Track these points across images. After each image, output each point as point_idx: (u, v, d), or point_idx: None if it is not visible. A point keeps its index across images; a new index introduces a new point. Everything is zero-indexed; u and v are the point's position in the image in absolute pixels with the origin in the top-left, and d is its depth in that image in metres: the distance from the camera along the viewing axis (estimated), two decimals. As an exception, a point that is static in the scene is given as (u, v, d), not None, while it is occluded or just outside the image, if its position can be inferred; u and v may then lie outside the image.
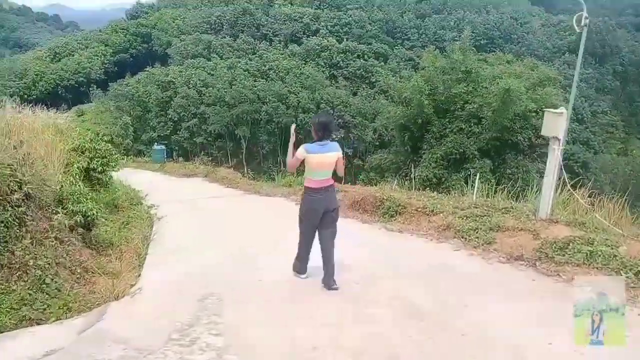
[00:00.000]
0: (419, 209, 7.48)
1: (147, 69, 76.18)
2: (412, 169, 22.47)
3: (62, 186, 6.15)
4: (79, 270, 5.10)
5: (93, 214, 6.23)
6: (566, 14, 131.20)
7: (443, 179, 22.01)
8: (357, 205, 8.54)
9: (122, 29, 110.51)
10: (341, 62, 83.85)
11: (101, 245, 6.62)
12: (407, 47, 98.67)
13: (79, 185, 6.47)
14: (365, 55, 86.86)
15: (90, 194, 6.76)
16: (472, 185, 21.13)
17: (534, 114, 22.62)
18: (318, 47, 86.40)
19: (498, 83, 22.36)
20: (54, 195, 6.05)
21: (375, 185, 27.68)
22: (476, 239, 6.22)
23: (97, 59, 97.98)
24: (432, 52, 26.87)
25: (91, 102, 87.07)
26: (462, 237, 6.34)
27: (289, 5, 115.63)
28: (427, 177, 20.70)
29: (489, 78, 24.88)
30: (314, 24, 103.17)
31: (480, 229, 6.25)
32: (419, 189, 10.57)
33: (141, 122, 63.20)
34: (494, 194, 8.65)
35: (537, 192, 8.18)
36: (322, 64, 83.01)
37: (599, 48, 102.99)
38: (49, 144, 9.09)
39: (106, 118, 71.42)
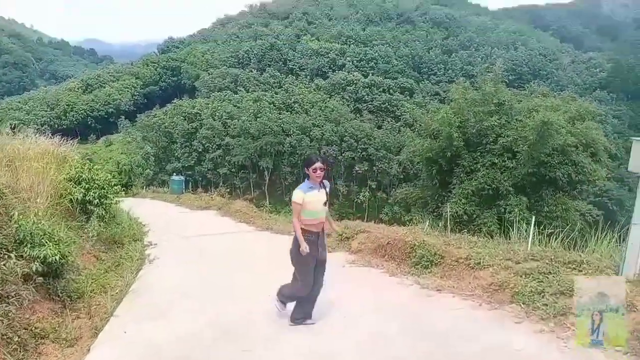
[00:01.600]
0: (461, 260, 5.99)
1: (175, 101, 77.57)
2: (442, 205, 20.89)
3: (19, 225, 5.03)
4: (17, 339, 3.88)
5: (56, 260, 5.07)
6: (596, 51, 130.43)
7: (474, 216, 20.40)
8: (383, 251, 7.12)
9: (153, 62, 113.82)
10: (366, 96, 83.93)
11: (70, 297, 5.45)
12: (433, 82, 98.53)
13: (41, 224, 5.32)
14: (391, 90, 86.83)
15: (59, 234, 5.59)
16: (507, 224, 19.50)
17: (573, 148, 21.02)
18: (343, 82, 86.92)
19: (534, 116, 20.84)
20: (11, 236, 4.95)
21: (400, 220, 26.04)
22: (544, 307, 4.54)
23: (128, 91, 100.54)
24: (462, 84, 25.66)
25: (119, 132, 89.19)
26: (523, 303, 4.75)
27: (316, 40, 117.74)
28: (458, 213, 19.13)
29: (523, 111, 23.44)
30: (340, 59, 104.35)
31: (547, 292, 4.67)
32: (453, 230, 8.88)
33: (166, 153, 63.86)
34: (543, 239, 7.16)
35: (596, 239, 6.72)
36: (347, 97, 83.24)
37: (631, 85, 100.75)
38: (40, 174, 8.10)
39: (132, 148, 72.65)
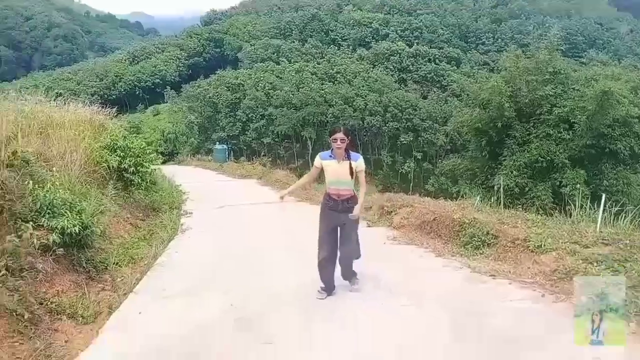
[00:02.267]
0: (518, 242, 5.22)
1: (218, 72, 77.89)
2: (491, 177, 19.93)
3: (35, 195, 4.75)
4: (27, 316, 3.58)
5: (76, 231, 4.78)
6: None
7: (527, 189, 19.47)
8: (428, 228, 6.46)
9: (197, 34, 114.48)
10: (411, 66, 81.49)
11: (95, 269, 5.20)
12: (481, 52, 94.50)
13: (61, 193, 5.02)
14: (437, 59, 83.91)
15: (81, 203, 5.29)
16: (565, 198, 18.39)
17: (636, 119, 19.58)
18: (387, 51, 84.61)
19: (593, 85, 19.39)
20: (30, 205, 4.69)
21: (447, 191, 25.09)
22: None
23: (173, 62, 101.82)
24: (514, 52, 24.10)
25: (166, 102, 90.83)
26: (596, 297, 4.05)
27: (358, 10, 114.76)
28: (509, 186, 18.21)
29: (581, 80, 21.87)
30: (384, 29, 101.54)
31: (625, 284, 3.96)
32: (505, 204, 8.00)
33: (211, 122, 64.46)
34: (609, 217, 6.28)
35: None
36: (391, 67, 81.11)
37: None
38: (73, 141, 7.92)
39: (178, 117, 73.87)
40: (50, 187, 4.99)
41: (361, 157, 5.06)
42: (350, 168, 4.92)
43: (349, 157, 4.95)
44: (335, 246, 5.04)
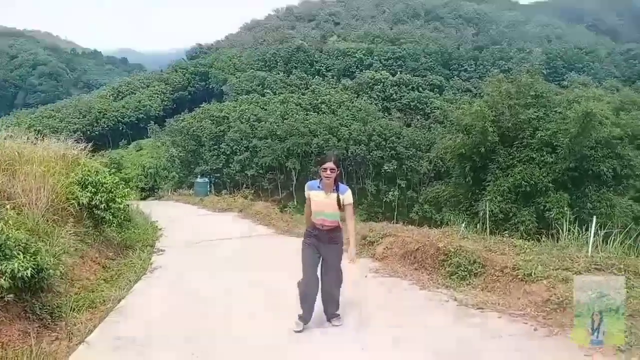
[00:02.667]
0: (506, 270, 4.92)
1: (203, 105, 78.15)
2: (475, 203, 19.73)
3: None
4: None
5: (28, 275, 4.36)
6: (634, 42, 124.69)
7: (511, 214, 19.24)
8: (412, 258, 6.11)
9: (182, 68, 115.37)
10: (394, 95, 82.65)
11: (51, 316, 4.75)
12: (464, 79, 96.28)
13: (15, 233, 4.63)
14: (420, 87, 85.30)
15: (37, 244, 4.88)
16: (549, 222, 18.17)
17: (618, 140, 19.62)
18: (371, 80, 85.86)
19: (575, 107, 19.49)
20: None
21: (431, 219, 24.80)
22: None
23: (157, 97, 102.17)
24: (496, 77, 24.35)
25: (149, 137, 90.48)
26: (592, 329, 3.74)
27: (343, 41, 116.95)
28: (493, 211, 17.95)
29: (563, 102, 22.05)
30: (368, 59, 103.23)
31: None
32: (491, 230, 7.67)
33: (195, 156, 64.18)
34: (602, 242, 5.99)
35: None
36: (375, 96, 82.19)
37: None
38: (41, 177, 7.52)
39: (161, 152, 73.46)
40: (2, 227, 4.58)
41: (349, 189, 4.82)
42: (338, 201, 4.68)
43: (337, 189, 4.71)
44: (317, 276, 4.80)
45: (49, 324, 4.76)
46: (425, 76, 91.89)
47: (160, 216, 14.41)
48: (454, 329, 4.44)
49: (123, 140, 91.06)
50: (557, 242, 6.41)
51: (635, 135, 20.78)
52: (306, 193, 4.83)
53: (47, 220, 6.71)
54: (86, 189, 8.33)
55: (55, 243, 5.86)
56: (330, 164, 4.61)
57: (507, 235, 7.15)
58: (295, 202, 49.51)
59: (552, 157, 19.69)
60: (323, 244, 4.78)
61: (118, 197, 8.86)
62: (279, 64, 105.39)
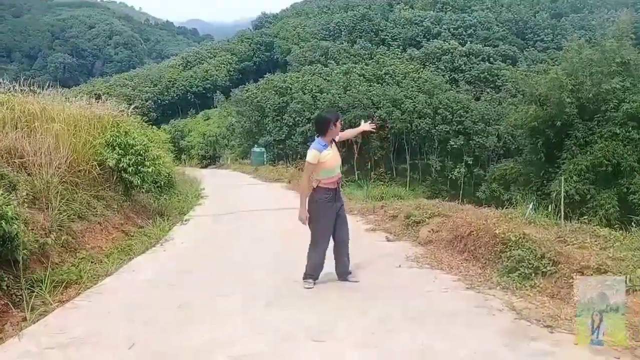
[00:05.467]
0: (588, 271, 3.59)
1: (267, 76, 78.27)
2: (548, 183, 18.17)
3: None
4: None
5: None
6: None
7: (588, 197, 17.56)
8: (462, 245, 5.07)
9: (247, 38, 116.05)
10: (463, 66, 78.59)
11: (31, 290, 4.24)
12: (539, 49, 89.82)
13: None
14: (491, 58, 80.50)
15: (12, 210, 4.29)
16: (631, 207, 16.25)
17: None
18: (439, 51, 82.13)
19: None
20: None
21: (499, 199, 22.56)
22: None
23: (224, 67, 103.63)
24: (577, 41, 22.00)
25: (216, 107, 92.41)
26: None
27: (410, 9, 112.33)
28: (568, 193, 16.35)
29: (655, 70, 19.69)
30: (435, 27, 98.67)
31: None
32: (566, 215, 6.17)
33: (259, 126, 64.62)
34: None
35: None
36: (443, 67, 78.62)
37: None
38: (60, 136, 7.19)
39: (227, 122, 74.78)
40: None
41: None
42: (338, 149, 5.02)
43: (334, 141, 4.95)
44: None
45: (19, 301, 4.21)
46: (498, 46, 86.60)
47: (210, 184, 14.25)
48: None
49: (192, 110, 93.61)
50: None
51: None
52: (314, 158, 4.69)
53: (64, 182, 6.34)
54: (114, 151, 7.98)
55: (62, 208, 5.43)
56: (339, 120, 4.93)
57: (586, 220, 5.90)
58: (356, 177, 48.62)
59: (638, 133, 17.79)
60: (338, 201, 4.91)
61: (148, 160, 8.45)
62: (343, 33, 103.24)
